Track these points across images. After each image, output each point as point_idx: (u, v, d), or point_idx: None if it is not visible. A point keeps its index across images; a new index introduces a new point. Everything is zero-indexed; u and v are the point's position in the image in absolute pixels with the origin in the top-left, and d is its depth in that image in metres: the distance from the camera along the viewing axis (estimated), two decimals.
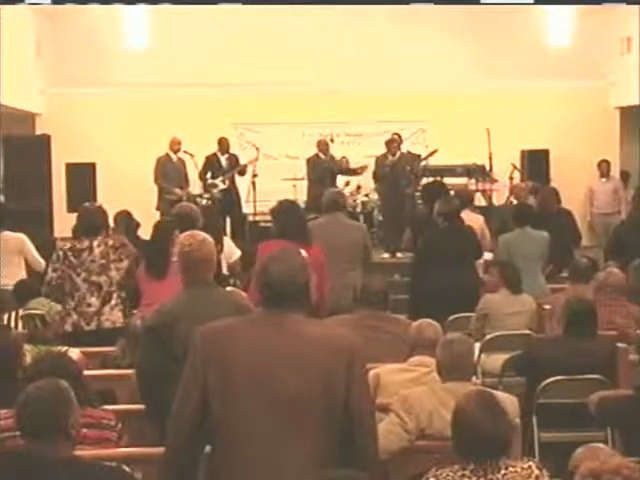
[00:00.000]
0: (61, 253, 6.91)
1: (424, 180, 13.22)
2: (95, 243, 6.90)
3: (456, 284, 7.67)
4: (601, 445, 3.28)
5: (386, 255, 12.59)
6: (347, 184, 13.65)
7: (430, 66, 14.91)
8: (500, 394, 4.71)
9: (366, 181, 13.53)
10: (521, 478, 3.43)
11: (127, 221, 9.06)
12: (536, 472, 3.46)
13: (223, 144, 13.39)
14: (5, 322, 6.83)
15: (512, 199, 12.33)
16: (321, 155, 13.40)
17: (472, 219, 8.96)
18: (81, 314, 6.83)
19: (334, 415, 3.28)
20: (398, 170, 12.52)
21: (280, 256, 3.47)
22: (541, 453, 5.65)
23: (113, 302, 6.89)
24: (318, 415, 3.26)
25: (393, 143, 12.79)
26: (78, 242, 6.97)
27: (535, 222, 8.97)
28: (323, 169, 13.17)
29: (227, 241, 8.07)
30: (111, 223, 9.02)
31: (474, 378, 5.25)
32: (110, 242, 6.96)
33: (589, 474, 3.03)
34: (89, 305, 6.86)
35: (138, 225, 9.31)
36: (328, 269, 6.84)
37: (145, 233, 9.64)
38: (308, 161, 13.43)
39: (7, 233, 8.05)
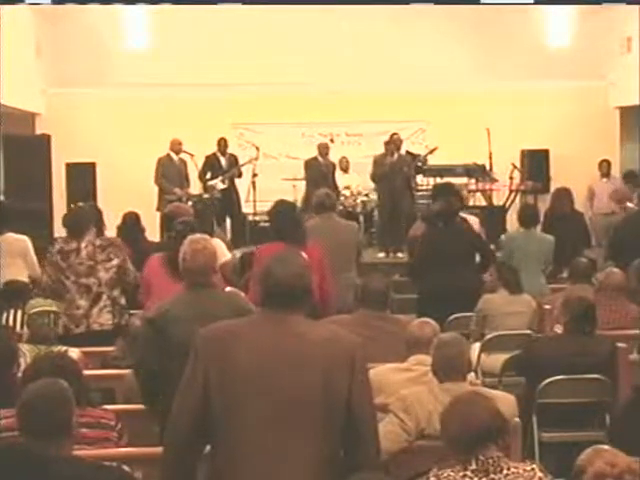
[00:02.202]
0: (50, 256, 6.94)
1: (420, 179, 13.28)
2: (83, 244, 6.90)
3: (454, 284, 7.66)
4: (606, 447, 3.27)
5: (382, 255, 12.60)
6: (347, 187, 13.66)
7: (430, 66, 14.90)
8: (498, 393, 4.72)
9: (366, 181, 13.53)
10: (523, 479, 3.42)
11: (134, 222, 9.05)
12: (539, 474, 3.45)
13: (222, 144, 13.40)
14: (10, 322, 6.84)
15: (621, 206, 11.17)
16: (319, 158, 13.43)
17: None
18: (70, 317, 6.83)
19: (335, 415, 3.28)
20: (396, 171, 12.54)
21: (283, 258, 3.48)
22: (541, 453, 5.65)
23: (102, 304, 6.88)
24: (319, 415, 3.26)
25: (391, 144, 12.81)
26: (66, 244, 6.98)
27: (545, 223, 8.97)
28: (319, 172, 13.20)
29: (218, 243, 8.05)
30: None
31: (474, 378, 5.25)
32: (98, 242, 6.96)
33: (594, 478, 3.03)
34: (78, 307, 6.86)
35: (143, 230, 9.30)
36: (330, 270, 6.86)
37: (150, 234, 9.65)
38: (306, 163, 13.48)
39: (11, 235, 8.00)
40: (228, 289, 5.90)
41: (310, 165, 13.43)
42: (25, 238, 8.04)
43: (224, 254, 7.92)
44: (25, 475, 3.24)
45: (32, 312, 6.08)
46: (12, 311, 6.93)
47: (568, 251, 8.83)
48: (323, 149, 13.49)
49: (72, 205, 7.90)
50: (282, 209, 7.09)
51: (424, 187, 13.14)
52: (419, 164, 13.14)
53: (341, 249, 7.54)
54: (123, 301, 7.02)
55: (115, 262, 6.91)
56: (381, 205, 12.99)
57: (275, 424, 3.24)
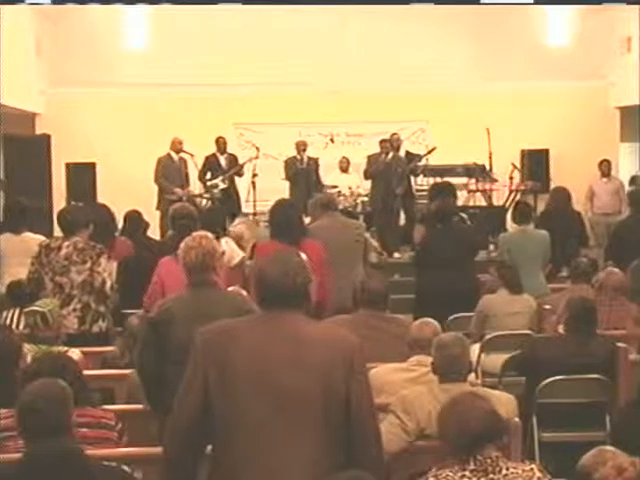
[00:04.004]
0: (38, 250, 6.97)
1: (420, 179, 13.28)
2: (65, 243, 6.92)
3: (451, 286, 7.66)
4: (609, 447, 3.27)
5: (383, 255, 12.60)
6: (335, 188, 13.66)
7: (430, 66, 14.91)
8: (498, 393, 4.72)
9: (366, 181, 13.53)
10: (522, 479, 3.42)
11: (136, 221, 9.06)
12: (538, 474, 3.45)
13: (220, 143, 13.38)
14: (8, 321, 6.83)
15: None
16: (297, 156, 13.42)
17: None
18: None
19: (335, 415, 3.27)
20: (390, 170, 12.53)
21: (276, 258, 3.47)
22: (541, 453, 5.65)
23: (71, 307, 6.86)
24: (318, 415, 3.25)
25: (386, 143, 12.80)
26: (53, 241, 7.02)
27: (542, 221, 8.96)
28: (297, 170, 13.21)
29: (229, 243, 8.05)
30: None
31: (473, 378, 5.25)
32: (80, 244, 6.94)
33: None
34: None
35: (147, 225, 9.32)
36: (333, 270, 6.86)
37: (150, 233, 9.65)
38: (285, 162, 13.49)
39: (29, 234, 8.02)
40: (230, 288, 5.89)
41: (289, 164, 13.44)
42: (42, 238, 8.05)
43: (236, 254, 7.90)
44: (25, 476, 3.24)
45: (26, 311, 6.09)
46: (17, 311, 6.93)
47: (566, 250, 8.83)
48: (300, 146, 13.47)
49: (73, 203, 7.88)
50: (279, 208, 7.11)
51: (424, 187, 13.13)
52: (417, 164, 13.12)
53: (348, 248, 7.54)
54: (102, 308, 6.97)
55: (88, 265, 6.88)
56: (374, 204, 12.98)
57: (274, 424, 3.23)
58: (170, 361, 4.38)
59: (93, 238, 7.18)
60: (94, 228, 7.31)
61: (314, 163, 13.52)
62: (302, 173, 13.22)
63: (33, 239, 7.97)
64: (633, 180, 14.10)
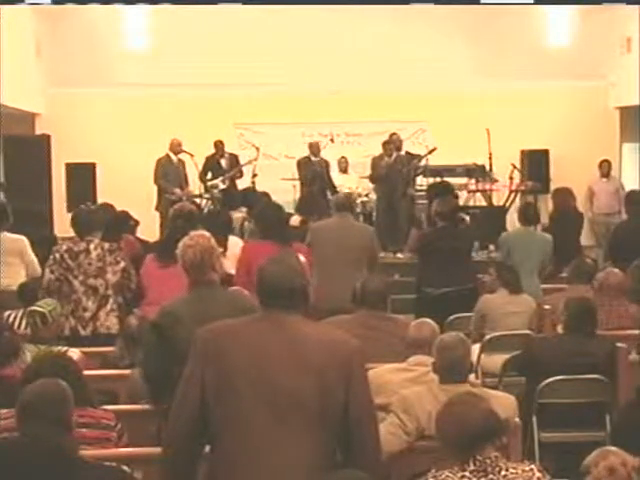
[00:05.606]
0: (58, 256, 6.93)
1: (420, 179, 13.28)
2: (92, 246, 6.93)
3: (452, 285, 7.65)
4: (613, 448, 3.27)
5: (382, 254, 12.59)
6: (349, 189, 13.65)
7: (430, 66, 14.91)
8: (498, 393, 4.72)
9: (366, 181, 13.54)
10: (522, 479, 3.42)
11: (125, 221, 9.06)
12: (537, 475, 3.44)
13: (219, 147, 13.37)
14: (10, 320, 6.82)
15: None
16: (312, 157, 13.40)
17: None
18: (78, 318, 6.85)
19: (332, 417, 3.27)
20: (395, 171, 12.52)
21: (275, 259, 3.49)
22: (541, 453, 5.65)
23: (109, 307, 6.90)
24: (316, 416, 3.25)
25: (389, 144, 12.78)
26: (74, 244, 6.99)
27: (552, 224, 8.98)
28: (312, 171, 13.19)
29: (236, 241, 8.06)
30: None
31: (473, 378, 5.25)
32: (106, 245, 6.99)
33: None
34: (85, 309, 6.89)
35: (137, 223, 9.32)
36: (334, 270, 6.87)
37: (144, 233, 9.67)
38: (298, 163, 13.44)
39: (7, 234, 7.99)
40: (232, 288, 5.88)
41: (303, 164, 13.39)
42: (22, 238, 8.01)
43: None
44: (24, 477, 3.24)
45: (29, 311, 6.08)
46: (18, 312, 6.91)
47: (570, 250, 8.83)
48: (314, 148, 13.44)
49: (83, 205, 7.89)
50: (268, 209, 7.13)
51: (423, 187, 13.12)
52: (421, 163, 13.11)
53: (351, 250, 7.52)
54: (125, 306, 7.04)
55: (122, 265, 6.95)
56: (378, 206, 12.97)
57: (272, 423, 3.23)
58: (177, 362, 4.36)
59: (104, 239, 7.21)
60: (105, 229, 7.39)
61: (326, 164, 13.51)
62: (318, 175, 13.19)
63: (13, 239, 7.92)
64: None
